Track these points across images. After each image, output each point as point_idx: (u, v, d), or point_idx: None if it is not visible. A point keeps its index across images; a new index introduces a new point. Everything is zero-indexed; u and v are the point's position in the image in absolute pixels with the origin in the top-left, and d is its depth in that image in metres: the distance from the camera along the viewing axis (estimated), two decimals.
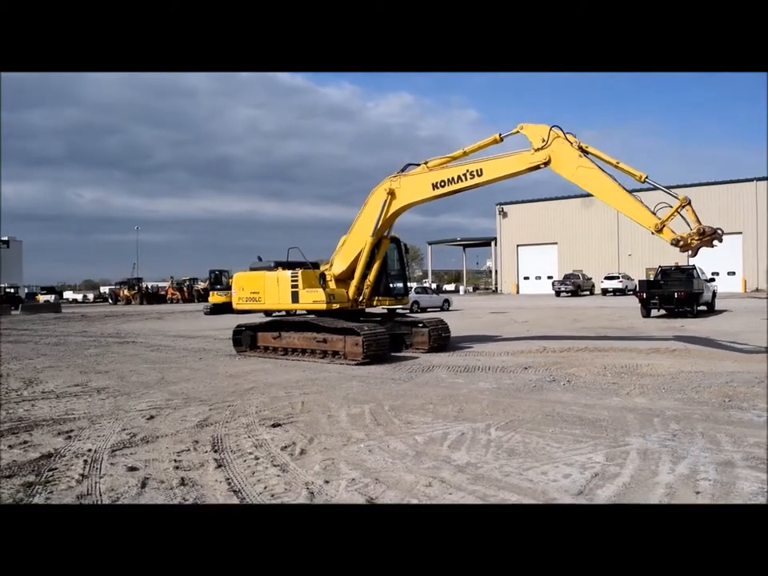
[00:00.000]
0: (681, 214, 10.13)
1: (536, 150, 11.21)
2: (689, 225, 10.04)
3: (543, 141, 11.13)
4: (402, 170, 12.77)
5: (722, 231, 10.07)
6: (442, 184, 12.11)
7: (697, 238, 9.84)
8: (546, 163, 11.16)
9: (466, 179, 11.88)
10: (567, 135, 11.08)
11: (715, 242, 10.00)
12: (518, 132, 11.73)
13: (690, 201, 10.11)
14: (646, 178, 10.72)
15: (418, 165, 12.66)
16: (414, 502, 4.43)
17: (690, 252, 10.25)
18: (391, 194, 12.63)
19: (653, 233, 10.23)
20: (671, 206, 10.20)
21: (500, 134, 11.96)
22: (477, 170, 11.79)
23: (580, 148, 10.97)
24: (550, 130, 11.10)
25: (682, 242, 9.96)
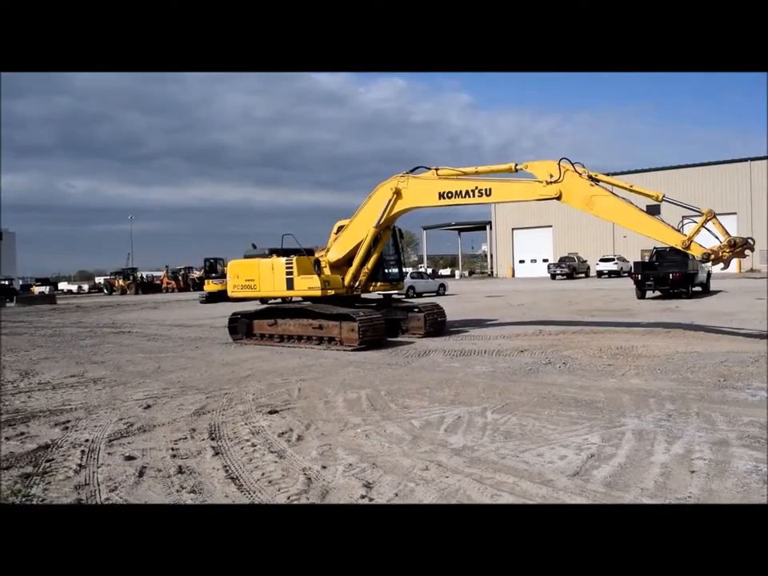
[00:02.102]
0: (707, 228, 10.04)
1: (547, 183, 11.01)
2: (717, 237, 9.91)
3: (551, 175, 10.94)
4: (411, 171, 12.68)
5: (753, 241, 9.92)
6: (449, 195, 12.06)
7: (728, 250, 9.69)
8: (558, 198, 11.00)
9: (474, 196, 11.82)
10: (576, 166, 10.93)
11: (747, 252, 9.88)
12: (521, 170, 11.60)
13: (715, 214, 10.00)
14: (664, 196, 10.71)
15: (429, 169, 12.56)
16: (411, 485, 4.46)
17: (722, 264, 10.04)
18: (397, 193, 12.56)
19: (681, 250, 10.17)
20: (695, 221, 10.15)
21: (515, 165, 11.79)
22: (486, 190, 11.71)
23: (590, 177, 10.85)
24: (559, 164, 10.92)
25: (713, 256, 9.78)
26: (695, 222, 10.09)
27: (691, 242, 9.90)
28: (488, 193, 11.73)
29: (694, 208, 10.42)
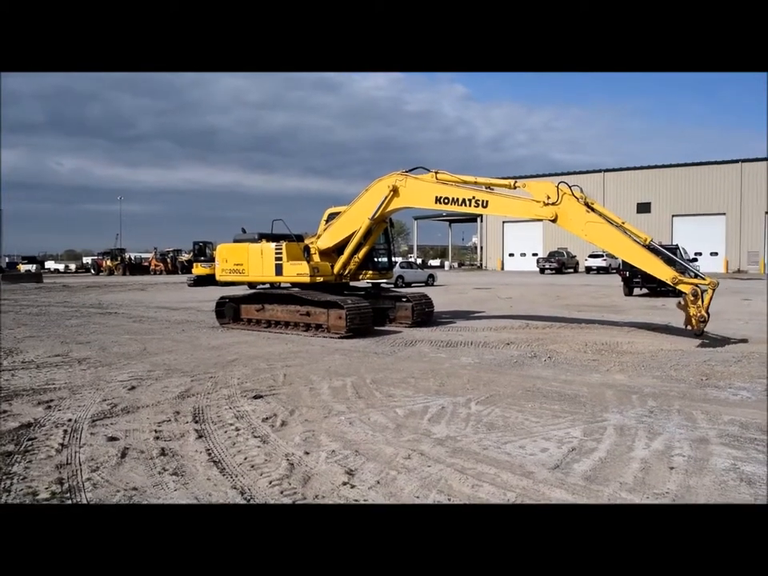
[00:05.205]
0: (700, 287, 10.42)
1: (545, 205, 11.12)
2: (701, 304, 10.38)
3: (548, 197, 11.07)
4: (411, 171, 12.64)
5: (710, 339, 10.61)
6: (446, 201, 12.09)
7: (699, 316, 10.16)
8: (553, 220, 11.14)
9: (470, 205, 11.87)
10: (573, 190, 11.08)
11: (695, 329, 10.45)
12: (519, 188, 11.70)
13: (717, 286, 10.40)
14: (651, 240, 11.10)
15: (428, 171, 12.53)
16: (393, 473, 4.48)
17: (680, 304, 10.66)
18: (394, 191, 12.55)
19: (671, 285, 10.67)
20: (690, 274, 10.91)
21: (514, 182, 11.88)
22: (483, 201, 11.77)
23: (586, 204, 11.02)
24: (558, 187, 11.03)
25: (692, 299, 10.23)
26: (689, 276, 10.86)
27: (680, 281, 10.38)
28: (484, 205, 11.79)
29: (691, 266, 11.19)
